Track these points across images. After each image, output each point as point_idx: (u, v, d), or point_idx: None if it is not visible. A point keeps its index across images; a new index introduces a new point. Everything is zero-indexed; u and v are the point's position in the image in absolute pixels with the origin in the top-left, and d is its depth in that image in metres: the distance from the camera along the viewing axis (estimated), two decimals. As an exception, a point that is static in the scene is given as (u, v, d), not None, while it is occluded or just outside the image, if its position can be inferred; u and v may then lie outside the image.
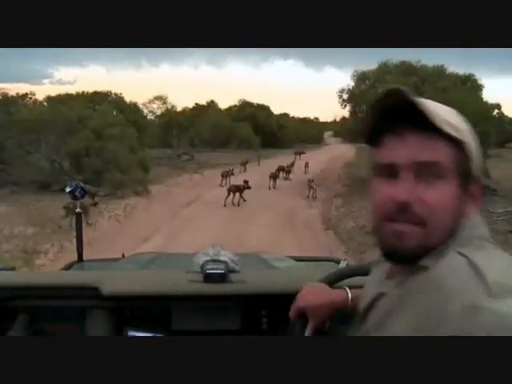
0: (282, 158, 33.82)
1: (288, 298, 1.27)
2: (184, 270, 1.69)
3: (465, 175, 0.85)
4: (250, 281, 1.61)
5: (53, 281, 1.65)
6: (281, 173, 21.93)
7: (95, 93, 24.77)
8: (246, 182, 15.46)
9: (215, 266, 1.59)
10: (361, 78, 20.45)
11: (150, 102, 59.35)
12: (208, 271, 1.58)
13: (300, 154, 36.18)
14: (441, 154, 0.83)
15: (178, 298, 1.59)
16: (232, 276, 1.61)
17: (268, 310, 1.60)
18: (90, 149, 16.90)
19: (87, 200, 11.08)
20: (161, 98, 60.02)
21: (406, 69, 20.24)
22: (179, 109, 57.41)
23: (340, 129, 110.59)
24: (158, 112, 56.46)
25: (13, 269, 2.17)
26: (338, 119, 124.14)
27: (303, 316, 1.19)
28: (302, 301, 1.21)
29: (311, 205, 16.07)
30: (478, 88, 20.12)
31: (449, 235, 0.83)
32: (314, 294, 1.22)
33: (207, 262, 1.62)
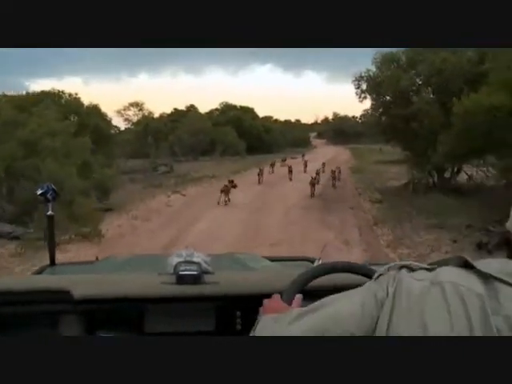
0: (278, 165, 28.54)
1: (262, 298, 1.25)
2: (157, 272, 1.64)
3: None
4: (224, 282, 1.56)
5: (23, 285, 1.58)
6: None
7: (43, 93, 18.96)
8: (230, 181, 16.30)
9: (188, 268, 1.54)
10: (387, 60, 15.17)
11: (125, 108, 55.05)
12: (181, 273, 1.53)
13: (303, 157, 31.69)
14: None
15: (151, 300, 1.54)
16: (205, 277, 1.56)
17: (242, 311, 1.54)
18: (15, 168, 11.29)
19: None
20: (137, 105, 55.66)
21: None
22: (157, 115, 53.51)
23: (323, 130, 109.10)
24: (135, 119, 53.10)
25: None
26: (319, 120, 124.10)
27: None
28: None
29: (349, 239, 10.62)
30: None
31: None
32: (266, 309, 1.16)
33: (180, 263, 1.57)
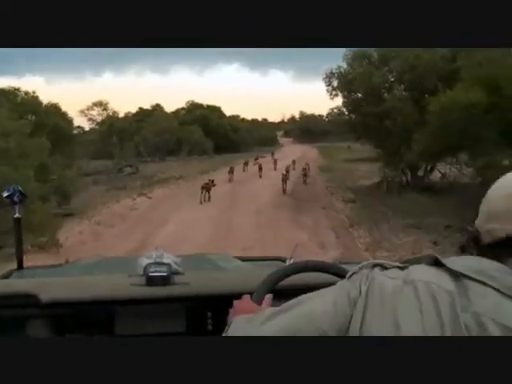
0: (251, 164, 27.96)
1: (233, 298, 1.22)
2: (127, 273, 1.59)
3: None
4: (194, 282, 1.54)
5: None
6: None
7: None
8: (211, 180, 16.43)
9: (158, 269, 1.52)
10: (359, 56, 14.76)
11: (89, 108, 53.86)
12: (151, 274, 1.50)
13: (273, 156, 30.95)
14: None
15: (121, 302, 1.51)
16: (175, 278, 1.53)
17: (213, 312, 1.51)
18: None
19: None
20: (101, 104, 54.47)
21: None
22: (122, 115, 52.55)
23: (289, 129, 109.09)
24: (99, 119, 52.39)
25: None
26: (286, 119, 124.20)
27: None
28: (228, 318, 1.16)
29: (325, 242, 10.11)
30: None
31: None
32: (236, 310, 1.14)
33: (150, 264, 1.54)
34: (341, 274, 1.15)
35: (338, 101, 17.04)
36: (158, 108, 57.56)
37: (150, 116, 49.80)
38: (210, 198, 15.57)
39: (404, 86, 13.99)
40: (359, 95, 15.61)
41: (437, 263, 0.80)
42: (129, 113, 55.65)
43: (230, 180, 21.02)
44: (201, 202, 15.17)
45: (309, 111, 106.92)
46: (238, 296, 1.21)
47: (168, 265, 1.55)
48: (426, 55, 12.81)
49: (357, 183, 19.77)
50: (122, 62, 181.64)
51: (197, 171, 25.74)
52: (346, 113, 16.83)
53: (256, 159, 31.98)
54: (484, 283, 0.73)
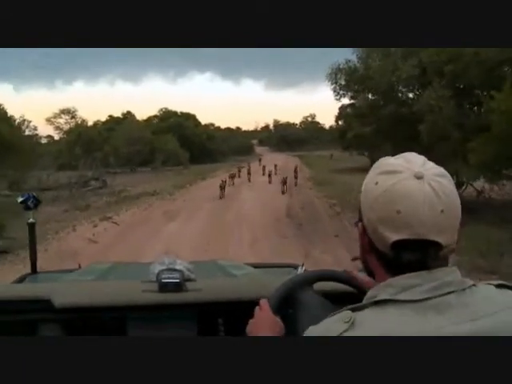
0: (226, 176, 24.46)
1: (245, 305, 1.25)
2: (140, 280, 1.59)
3: None
4: (206, 289, 1.53)
5: (3, 294, 1.56)
6: None
7: None
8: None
9: (171, 275, 1.50)
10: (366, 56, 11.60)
11: (56, 116, 50.54)
12: (163, 280, 1.49)
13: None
14: None
15: (133, 308, 1.50)
16: (188, 284, 1.52)
17: (225, 318, 1.50)
18: None
19: None
20: (68, 112, 51.09)
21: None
22: (91, 123, 49.14)
23: (264, 137, 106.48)
24: (66, 128, 49.40)
25: None
26: (259, 128, 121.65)
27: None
28: (249, 330, 1.13)
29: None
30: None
31: None
32: (258, 326, 1.11)
33: (162, 271, 1.53)
34: (354, 285, 1.23)
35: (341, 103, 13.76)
36: (128, 116, 53.87)
37: (120, 124, 46.33)
38: None
39: (444, 81, 10.46)
40: (369, 95, 12.49)
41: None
42: (98, 121, 52.19)
43: (221, 197, 17.35)
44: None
45: (283, 120, 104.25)
46: (250, 303, 1.20)
47: (180, 271, 1.53)
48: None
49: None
50: (94, 71, 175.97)
51: (172, 185, 22.16)
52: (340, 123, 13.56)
53: (239, 170, 28.52)
54: None
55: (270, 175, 23.75)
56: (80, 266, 2.64)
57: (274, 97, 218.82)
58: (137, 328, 1.48)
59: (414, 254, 0.78)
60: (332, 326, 0.78)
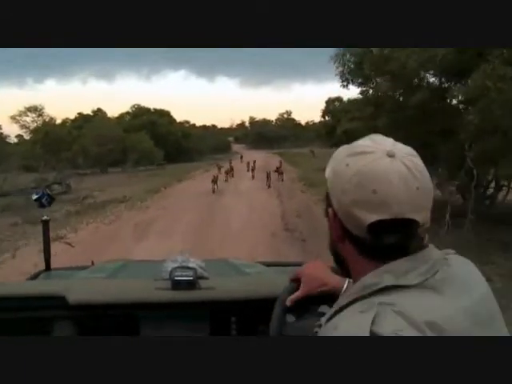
0: (207, 175, 21.66)
1: (257, 303, 1.27)
2: (153, 277, 1.59)
3: None
4: (219, 287, 1.52)
5: (18, 291, 1.56)
6: None
7: None
8: None
9: (184, 273, 1.49)
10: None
11: (21, 114, 47.00)
12: (176, 278, 1.48)
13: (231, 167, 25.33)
14: None
15: (146, 306, 1.49)
16: (201, 282, 1.51)
17: (237, 317, 1.49)
18: None
19: None
20: (35, 109, 47.51)
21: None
22: (59, 121, 45.99)
23: (240, 134, 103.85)
24: (33, 126, 46.34)
25: None
26: (235, 125, 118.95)
27: (298, 281, 1.18)
28: (302, 268, 1.20)
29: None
30: None
31: None
32: (315, 267, 1.19)
33: (175, 268, 1.52)
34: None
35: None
36: (99, 113, 50.47)
37: (90, 122, 43.20)
38: None
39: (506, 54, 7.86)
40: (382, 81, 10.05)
41: None
42: (67, 119, 48.86)
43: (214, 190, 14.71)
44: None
45: (258, 117, 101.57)
46: (262, 301, 1.23)
47: (193, 269, 1.52)
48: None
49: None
50: (67, 70, 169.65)
51: (145, 189, 19.34)
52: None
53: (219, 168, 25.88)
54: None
55: (252, 171, 24.35)
56: (93, 263, 2.59)
57: (248, 94, 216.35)
58: (149, 326, 1.47)
59: (394, 235, 0.76)
60: (360, 318, 0.72)
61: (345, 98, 28.07)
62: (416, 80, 9.27)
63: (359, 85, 10.87)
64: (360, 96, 11.54)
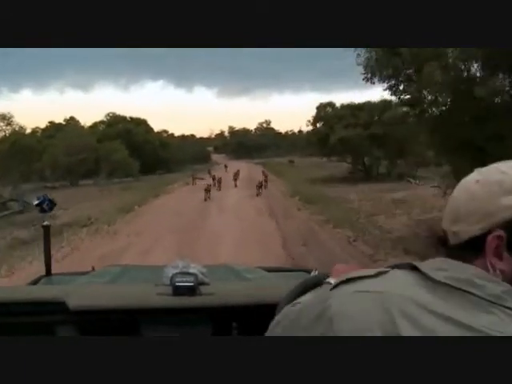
0: (187, 189, 18.79)
1: (258, 309, 1.24)
2: (153, 283, 1.56)
3: None
4: (220, 293, 1.50)
5: (18, 296, 1.54)
6: None
7: None
8: None
9: (184, 279, 1.47)
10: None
11: None
12: (177, 284, 1.46)
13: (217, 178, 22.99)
14: None
15: (147, 311, 1.48)
16: (202, 288, 1.49)
17: (239, 322, 1.47)
18: None
19: None
20: (4, 118, 44.20)
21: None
22: (29, 130, 42.85)
23: (220, 144, 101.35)
24: (1, 135, 43.08)
25: None
26: (213, 135, 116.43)
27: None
28: (334, 267, 1.10)
29: None
30: None
31: None
32: (348, 268, 1.06)
33: (176, 274, 1.49)
34: None
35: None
36: (71, 121, 47.40)
37: (61, 131, 40.22)
38: None
39: None
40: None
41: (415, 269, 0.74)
42: (37, 128, 45.76)
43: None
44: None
45: (238, 126, 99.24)
46: (263, 307, 1.16)
47: (194, 275, 1.50)
48: None
49: (392, 225, 11.40)
50: (43, 79, 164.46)
51: (116, 206, 16.55)
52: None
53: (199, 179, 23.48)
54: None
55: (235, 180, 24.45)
56: (93, 269, 2.52)
57: (227, 104, 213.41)
58: (150, 331, 1.45)
59: None
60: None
61: (337, 104, 26.38)
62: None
63: (387, 78, 8.46)
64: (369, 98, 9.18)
